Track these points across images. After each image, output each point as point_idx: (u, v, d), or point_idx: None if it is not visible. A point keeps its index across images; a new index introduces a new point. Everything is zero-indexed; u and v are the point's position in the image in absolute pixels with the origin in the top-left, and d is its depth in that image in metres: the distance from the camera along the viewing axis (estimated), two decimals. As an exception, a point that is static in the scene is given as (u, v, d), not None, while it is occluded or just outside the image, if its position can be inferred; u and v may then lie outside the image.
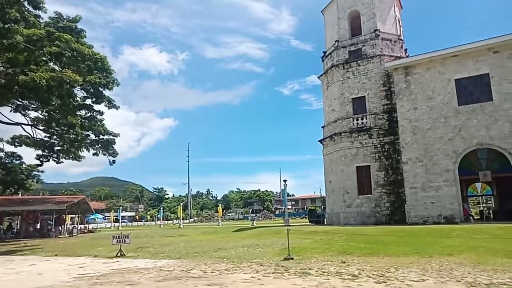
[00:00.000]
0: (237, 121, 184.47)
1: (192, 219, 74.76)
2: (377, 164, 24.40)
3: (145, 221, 76.26)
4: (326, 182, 27.62)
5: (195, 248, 15.09)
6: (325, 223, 28.08)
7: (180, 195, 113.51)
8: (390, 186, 23.76)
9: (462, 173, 21.00)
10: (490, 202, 41.20)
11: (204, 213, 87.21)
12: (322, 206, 44.92)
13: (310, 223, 30.45)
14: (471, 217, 24.77)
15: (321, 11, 30.24)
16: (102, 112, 27.84)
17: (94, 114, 27.69)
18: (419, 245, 11.80)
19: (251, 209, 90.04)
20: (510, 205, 23.00)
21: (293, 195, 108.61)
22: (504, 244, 10.98)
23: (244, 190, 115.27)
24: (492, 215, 26.86)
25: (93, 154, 29.14)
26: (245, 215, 76.45)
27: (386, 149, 24.33)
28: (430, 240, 12.65)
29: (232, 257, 11.93)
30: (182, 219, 50.29)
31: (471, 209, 32.03)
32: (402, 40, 27.24)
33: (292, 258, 10.75)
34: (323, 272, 8.54)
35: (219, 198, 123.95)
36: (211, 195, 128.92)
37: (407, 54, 26.86)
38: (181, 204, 61.85)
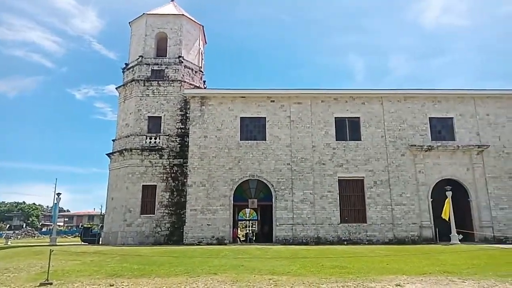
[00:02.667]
0: (8, 117, 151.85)
1: None
2: (164, 184, 24.73)
3: None
4: (109, 199, 25.93)
5: None
6: (101, 242, 26.09)
7: None
8: (173, 207, 24.38)
9: (236, 199, 23.75)
10: (254, 226, 48.02)
11: None
12: (100, 225, 41.74)
13: (84, 243, 27.63)
14: (238, 239, 28.12)
15: (129, 23, 29.39)
16: None
17: None
18: (191, 265, 12.37)
19: (8, 225, 74.54)
20: (268, 229, 27.35)
21: (68, 210, 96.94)
22: (259, 263, 12.82)
23: (3, 202, 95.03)
24: (254, 238, 31.30)
25: None
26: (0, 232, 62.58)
27: (175, 171, 25.05)
28: (201, 260, 13.50)
29: (-35, 286, 9.34)
30: None
31: (239, 232, 36.32)
32: (202, 72, 29.40)
33: (51, 283, 9.33)
34: (86, 298, 7.73)
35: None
36: None
37: (205, 86, 29.07)
38: None
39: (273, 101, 25.06)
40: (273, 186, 23.56)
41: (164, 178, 24.87)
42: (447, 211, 21.70)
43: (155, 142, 25.36)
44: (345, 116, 24.97)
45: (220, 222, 23.01)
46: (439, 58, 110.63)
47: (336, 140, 24.46)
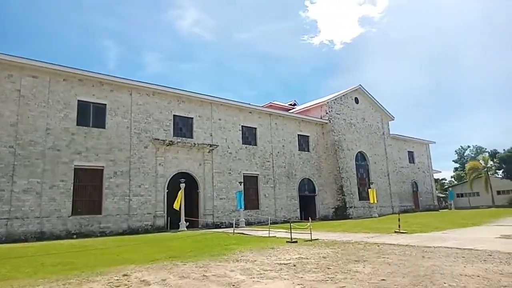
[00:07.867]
0: None
1: None
2: None
3: None
4: None
5: None
6: None
7: None
8: None
9: None
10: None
11: None
12: None
13: None
14: None
15: None
16: None
17: None
18: None
19: None
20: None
21: None
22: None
23: None
24: None
25: None
26: None
27: None
28: None
29: None
30: None
31: None
32: None
33: None
34: None
35: None
36: None
37: None
38: None
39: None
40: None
41: None
42: (179, 201, 23.79)
43: None
44: (90, 100, 23.14)
45: None
46: (187, 63, 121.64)
47: (77, 125, 22.30)
